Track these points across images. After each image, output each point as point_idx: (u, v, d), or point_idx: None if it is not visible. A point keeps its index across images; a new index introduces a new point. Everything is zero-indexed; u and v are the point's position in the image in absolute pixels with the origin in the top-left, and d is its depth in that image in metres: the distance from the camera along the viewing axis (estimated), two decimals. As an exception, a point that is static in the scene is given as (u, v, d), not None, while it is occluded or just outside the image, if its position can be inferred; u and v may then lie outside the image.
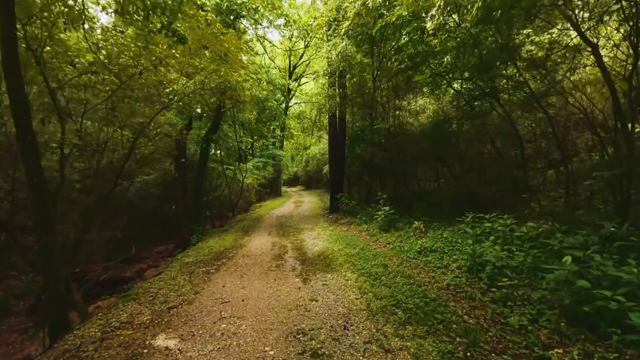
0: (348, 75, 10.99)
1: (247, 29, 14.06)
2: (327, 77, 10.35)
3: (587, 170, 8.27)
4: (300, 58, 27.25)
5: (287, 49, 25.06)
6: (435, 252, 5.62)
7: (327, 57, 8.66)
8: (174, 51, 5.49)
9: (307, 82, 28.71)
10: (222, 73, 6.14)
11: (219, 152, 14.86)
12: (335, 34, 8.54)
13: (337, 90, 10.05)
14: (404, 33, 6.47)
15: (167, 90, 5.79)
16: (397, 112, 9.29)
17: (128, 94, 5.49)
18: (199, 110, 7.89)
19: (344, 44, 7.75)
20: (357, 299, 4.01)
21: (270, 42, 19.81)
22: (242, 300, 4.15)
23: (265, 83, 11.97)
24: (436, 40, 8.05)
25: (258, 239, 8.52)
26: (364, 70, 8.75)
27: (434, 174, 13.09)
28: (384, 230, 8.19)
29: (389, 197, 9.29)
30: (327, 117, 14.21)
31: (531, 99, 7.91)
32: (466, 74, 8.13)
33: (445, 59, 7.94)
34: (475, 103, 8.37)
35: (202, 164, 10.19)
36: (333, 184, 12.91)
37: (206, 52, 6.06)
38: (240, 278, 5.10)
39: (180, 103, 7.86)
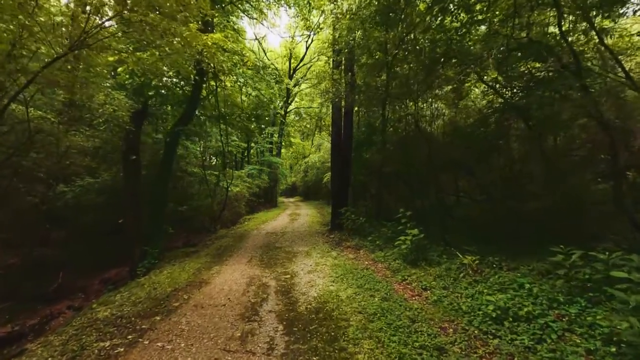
0: (357, 65, 8.80)
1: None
2: (331, 50, 8.06)
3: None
4: (301, 60, 25.55)
5: (290, 36, 23.37)
6: (528, 321, 3.15)
7: (334, 17, 6.36)
8: None
9: (308, 87, 26.90)
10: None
11: (201, 153, 12.47)
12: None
13: (343, 74, 7.77)
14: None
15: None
16: (430, 100, 6.93)
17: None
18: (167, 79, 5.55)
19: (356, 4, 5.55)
20: None
21: (266, 28, 17.96)
22: None
23: (252, 56, 9.70)
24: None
25: (231, 270, 6.01)
26: (380, 44, 6.49)
27: (453, 186, 10.80)
28: (411, 263, 5.71)
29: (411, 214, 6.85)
30: (329, 115, 11.97)
31: (619, 84, 5.69)
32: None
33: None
34: (538, 92, 6.03)
35: (166, 164, 7.72)
36: (335, 196, 10.48)
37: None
38: (160, 376, 2.60)
39: (128, 79, 5.54)
